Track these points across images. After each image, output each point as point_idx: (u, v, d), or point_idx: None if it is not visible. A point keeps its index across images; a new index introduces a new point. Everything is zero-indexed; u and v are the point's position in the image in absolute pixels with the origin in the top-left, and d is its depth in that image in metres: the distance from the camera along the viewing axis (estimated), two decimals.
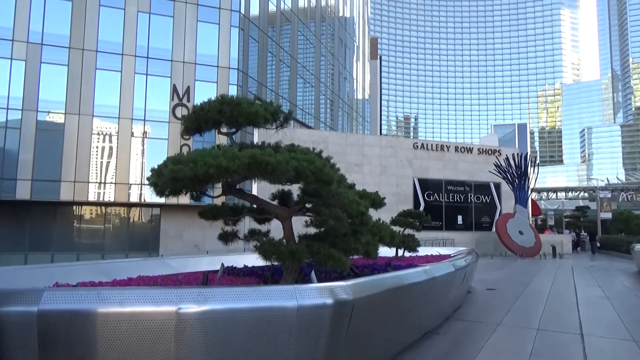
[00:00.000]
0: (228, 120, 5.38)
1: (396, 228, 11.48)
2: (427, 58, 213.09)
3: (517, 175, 33.49)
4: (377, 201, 9.26)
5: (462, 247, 17.55)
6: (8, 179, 23.34)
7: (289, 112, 5.80)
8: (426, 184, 33.94)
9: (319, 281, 5.63)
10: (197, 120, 5.45)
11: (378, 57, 72.11)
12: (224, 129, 5.81)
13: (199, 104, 5.65)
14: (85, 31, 25.27)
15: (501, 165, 33.59)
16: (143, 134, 26.33)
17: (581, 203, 64.19)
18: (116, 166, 25.59)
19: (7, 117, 23.75)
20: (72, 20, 25.08)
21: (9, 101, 23.68)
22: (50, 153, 24.20)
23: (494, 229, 33.25)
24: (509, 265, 23.69)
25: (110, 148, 25.68)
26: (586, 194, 74.17)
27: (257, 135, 18.17)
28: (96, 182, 25.26)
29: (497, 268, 21.56)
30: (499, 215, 34.51)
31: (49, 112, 24.81)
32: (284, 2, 35.09)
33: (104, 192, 25.55)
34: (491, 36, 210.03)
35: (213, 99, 5.83)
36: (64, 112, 24.70)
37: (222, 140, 15.69)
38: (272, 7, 33.30)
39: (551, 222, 51.74)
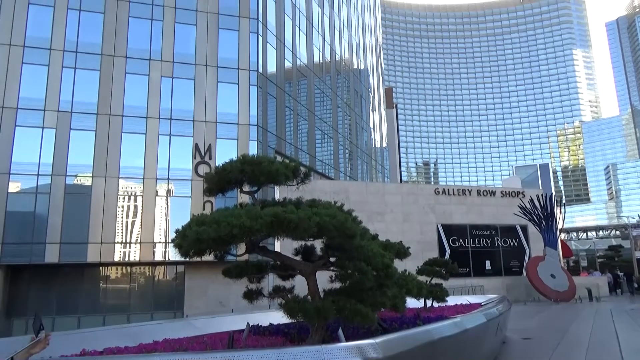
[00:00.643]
0: (249, 179, 5.49)
1: (422, 277, 11.24)
2: (442, 103, 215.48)
3: (543, 216, 32.77)
4: (401, 251, 9.15)
5: (492, 295, 16.99)
6: (38, 243, 23.86)
7: (308, 169, 5.89)
8: (450, 230, 33.40)
9: (347, 338, 5.50)
10: (220, 181, 5.58)
11: (394, 105, 73.27)
12: (246, 188, 5.92)
13: (220, 164, 5.80)
14: (112, 97, 26.48)
15: (526, 207, 32.98)
16: (167, 193, 26.86)
17: (613, 242, 61.98)
18: (141, 225, 25.98)
19: (37, 183, 24.59)
20: (99, 87, 26.37)
21: (40, 167, 24.60)
22: (78, 216, 24.78)
23: (524, 273, 32.20)
24: (543, 311, 22.73)
25: (135, 208, 26.19)
26: (618, 232, 71.72)
27: (279, 191, 18.33)
28: (122, 243, 25.60)
29: (532, 315, 20.69)
30: (529, 258, 33.51)
31: (76, 175, 25.63)
32: (299, 58, 36.37)
33: (130, 252, 25.83)
34: (505, 78, 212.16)
35: (234, 158, 5.98)
36: (91, 175, 25.50)
37: (244, 197, 15.87)
38: (288, 64, 34.49)
39: (584, 263, 49.91)
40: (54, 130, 25.18)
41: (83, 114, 25.78)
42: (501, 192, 35.86)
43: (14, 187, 24.35)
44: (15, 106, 24.77)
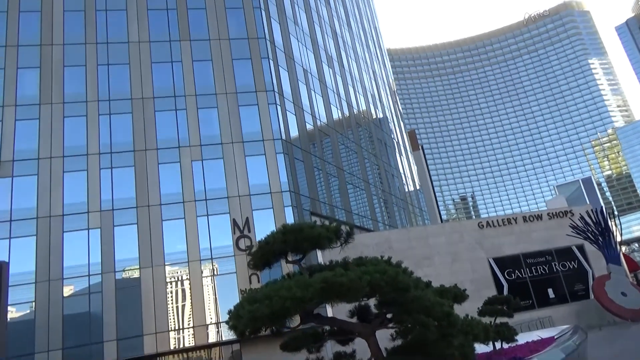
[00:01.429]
0: (293, 248, 5.51)
1: (485, 319, 10.70)
2: (467, 136, 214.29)
3: (598, 232, 31.19)
4: (458, 295, 8.82)
5: (563, 325, 15.95)
6: (95, 343, 24.14)
7: (350, 228, 5.89)
8: (503, 262, 32.07)
9: None
10: (264, 255, 5.62)
11: (420, 147, 73.35)
12: (290, 257, 5.93)
13: (263, 238, 5.86)
14: (149, 188, 27.55)
15: (578, 225, 31.54)
16: (212, 272, 27.07)
17: None
18: (192, 309, 26.06)
19: (89, 283, 25.28)
20: (136, 182, 27.54)
21: (90, 268, 25.38)
22: (131, 309, 25.13)
23: (592, 296, 30.25)
24: (623, 334, 21.10)
25: (184, 292, 26.41)
26: None
27: (321, 255, 18.23)
28: (175, 329, 25.63)
29: (611, 340, 19.22)
30: (593, 279, 31.58)
31: (124, 270, 26.26)
32: (319, 119, 37.28)
33: (184, 337, 25.77)
34: (525, 100, 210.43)
35: (272, 227, 6.05)
36: (138, 267, 26.08)
37: (290, 267, 15.80)
38: (309, 127, 35.36)
39: None
40: (99, 229, 26.17)
41: (124, 209, 26.81)
42: (548, 214, 34.52)
43: (67, 290, 25.09)
44: (61, 213, 26.03)
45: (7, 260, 22.40)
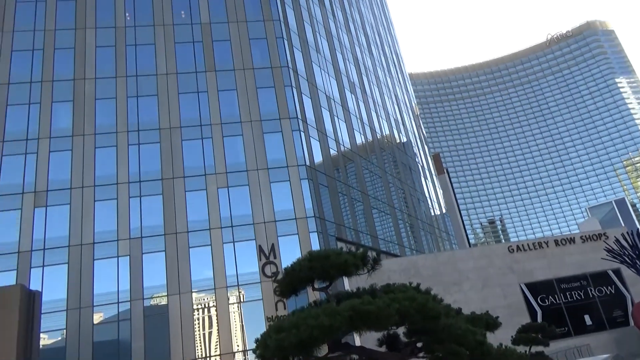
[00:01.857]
0: (320, 275, 5.47)
1: (520, 348, 10.32)
2: (493, 158, 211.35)
3: (635, 256, 29.98)
4: (490, 323, 8.55)
5: (603, 354, 15.25)
6: None
7: (377, 254, 5.83)
8: (536, 288, 31.07)
9: None
10: (291, 282, 5.59)
11: (445, 170, 72.66)
12: (317, 284, 5.89)
13: (289, 265, 5.85)
14: (176, 216, 27.97)
15: (613, 249, 30.42)
16: (238, 300, 27.04)
17: None
18: (218, 336, 25.98)
19: (118, 310, 25.55)
20: (164, 209, 28.02)
21: (119, 295, 25.70)
22: (158, 337, 25.22)
23: (632, 323, 28.90)
24: None
25: (210, 319, 26.40)
26: None
27: (348, 281, 18.03)
28: (202, 357, 25.54)
29: None
30: (632, 304, 30.22)
31: (152, 297, 26.48)
32: (343, 145, 37.44)
33: None
34: (552, 121, 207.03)
35: (298, 253, 6.04)
36: (166, 294, 26.27)
37: (317, 294, 15.69)
38: (333, 152, 35.52)
39: None
40: (128, 257, 26.59)
41: (152, 237, 27.23)
42: (581, 237, 33.45)
43: (97, 318, 25.40)
44: (92, 241, 26.60)
45: (40, 290, 22.95)
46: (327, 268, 5.34)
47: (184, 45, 33.32)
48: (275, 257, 27.42)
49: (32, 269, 25.69)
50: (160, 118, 30.55)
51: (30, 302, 19.72)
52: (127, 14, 33.78)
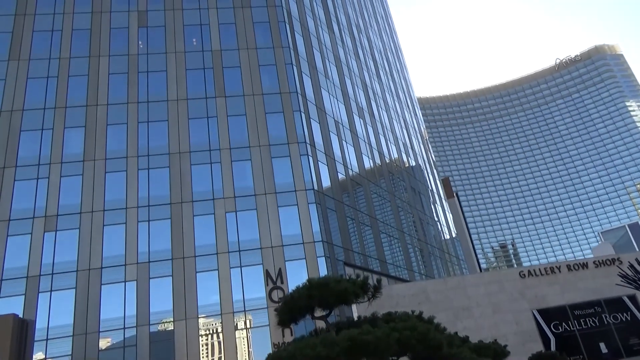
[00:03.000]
0: (319, 303, 5.42)
1: None
2: (504, 182, 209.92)
3: None
4: (498, 352, 8.36)
5: None
6: None
7: (378, 282, 5.77)
8: (549, 314, 30.38)
9: None
10: (290, 311, 5.54)
11: (454, 194, 72.22)
12: (318, 313, 5.82)
13: (288, 293, 5.81)
14: (184, 241, 28.00)
15: (628, 274, 29.80)
16: (245, 325, 26.75)
17: None
18: None
19: (124, 336, 25.37)
20: (172, 234, 28.09)
21: (125, 320, 25.56)
22: None
23: None
24: None
25: (217, 345, 26.09)
26: None
27: (356, 308, 17.79)
28: None
29: None
30: None
31: (159, 322, 26.29)
32: (351, 169, 37.49)
33: None
34: (562, 144, 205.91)
35: (305, 278, 5.97)
36: (172, 320, 26.07)
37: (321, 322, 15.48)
38: (341, 176, 35.55)
39: None
40: (135, 282, 26.55)
41: (159, 261, 27.23)
42: (594, 262, 32.81)
43: (103, 344, 25.23)
44: (100, 266, 26.65)
45: (34, 319, 22.96)
46: (327, 296, 5.30)
47: (194, 71, 33.94)
48: (282, 282, 27.20)
49: (40, 294, 25.72)
50: (170, 143, 30.92)
51: (22, 331, 19.81)
52: (140, 42, 34.59)
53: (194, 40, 35.33)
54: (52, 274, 26.29)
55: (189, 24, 35.79)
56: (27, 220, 27.57)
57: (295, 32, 37.39)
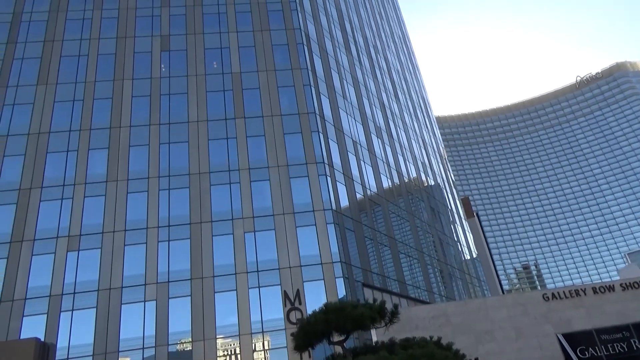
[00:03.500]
0: (336, 328, 5.40)
1: None
2: (526, 201, 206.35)
3: None
4: None
5: None
6: None
7: (395, 307, 5.74)
8: (574, 339, 29.44)
9: None
10: (306, 335, 5.54)
11: (474, 214, 71.26)
12: (335, 337, 5.79)
13: (305, 318, 5.81)
14: (203, 261, 28.18)
15: None
16: (263, 347, 26.59)
17: None
18: None
19: (143, 356, 25.45)
20: (191, 254, 28.32)
21: (144, 340, 25.68)
22: None
23: None
24: None
25: None
26: None
27: (375, 331, 17.57)
28: None
29: None
30: None
31: (177, 343, 26.33)
32: (369, 189, 37.42)
33: None
34: (585, 163, 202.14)
35: (323, 300, 5.97)
36: (190, 340, 26.10)
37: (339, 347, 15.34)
38: (359, 196, 35.50)
39: None
40: (155, 302, 26.74)
41: (179, 281, 27.41)
42: (621, 285, 31.82)
43: None
44: (120, 286, 26.95)
45: (55, 338, 23.23)
46: (343, 321, 5.29)
47: (215, 93, 34.61)
48: (300, 303, 27.06)
49: (61, 313, 26.09)
50: (190, 164, 31.41)
51: (44, 354, 20.04)
52: (162, 66, 35.52)
53: (215, 63, 36.12)
54: (74, 293, 26.67)
55: (210, 47, 36.66)
56: (51, 240, 28.16)
57: (313, 54, 37.93)
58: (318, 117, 34.05)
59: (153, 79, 34.80)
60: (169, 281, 27.41)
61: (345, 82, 41.85)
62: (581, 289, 31.92)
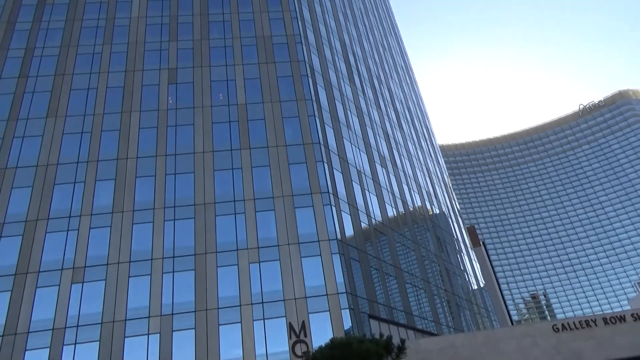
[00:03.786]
0: None
1: None
2: (532, 230, 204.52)
3: None
4: None
5: None
6: None
7: (402, 342, 5.69)
8: None
9: None
10: None
11: (481, 243, 70.69)
12: None
13: (311, 353, 5.76)
14: (207, 292, 27.95)
15: None
16: None
17: None
18: None
19: None
20: (195, 285, 28.12)
21: None
22: None
23: None
24: None
25: None
26: None
27: None
28: None
29: None
30: None
31: None
32: (374, 218, 37.34)
33: None
34: (591, 190, 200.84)
35: (329, 332, 5.92)
36: None
37: None
38: (364, 226, 35.39)
39: None
40: (158, 335, 26.40)
41: (183, 314, 27.13)
42: (632, 315, 31.23)
43: None
44: (124, 318, 26.70)
45: None
46: (349, 357, 5.26)
47: (220, 124, 35.06)
48: (305, 336, 26.64)
49: (64, 347, 25.78)
50: (195, 194, 31.55)
51: None
52: (169, 98, 36.15)
53: (221, 95, 36.73)
54: (77, 326, 26.42)
55: (216, 79, 37.35)
56: (55, 272, 28.09)
57: (317, 85, 38.54)
58: (322, 147, 34.33)
59: (160, 110, 35.37)
60: (172, 313, 27.14)
61: (349, 112, 42.34)
62: (592, 320, 31.34)
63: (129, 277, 28.11)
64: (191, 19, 41.04)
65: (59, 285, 27.69)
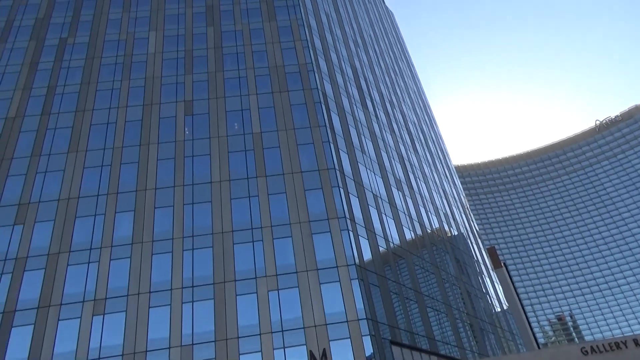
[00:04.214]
0: None
1: None
2: (554, 249, 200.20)
3: None
4: None
5: None
6: None
7: None
8: None
9: None
10: None
11: (502, 264, 69.40)
12: None
13: None
14: (227, 321, 27.85)
15: None
16: None
17: None
18: None
19: None
20: (215, 315, 28.06)
21: None
22: None
23: None
24: None
25: None
26: None
27: None
28: None
29: None
30: None
31: None
32: (392, 242, 37.07)
33: None
34: (613, 207, 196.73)
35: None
36: None
37: None
38: (382, 250, 35.13)
39: None
40: None
41: (203, 343, 27.02)
42: None
43: None
44: (144, 349, 26.68)
45: None
46: None
47: (236, 154, 35.55)
48: None
49: None
50: (213, 223, 31.82)
51: None
52: (186, 129, 36.88)
53: (236, 124, 37.36)
54: (99, 358, 26.46)
55: (231, 109, 38.08)
56: (77, 304, 28.35)
57: (331, 112, 38.99)
58: (338, 172, 34.49)
59: (177, 142, 36.06)
60: (193, 344, 27.06)
61: (363, 137, 42.62)
62: (621, 341, 30.36)
63: (149, 307, 28.21)
64: (206, 52, 42.19)
65: (81, 317, 27.89)
